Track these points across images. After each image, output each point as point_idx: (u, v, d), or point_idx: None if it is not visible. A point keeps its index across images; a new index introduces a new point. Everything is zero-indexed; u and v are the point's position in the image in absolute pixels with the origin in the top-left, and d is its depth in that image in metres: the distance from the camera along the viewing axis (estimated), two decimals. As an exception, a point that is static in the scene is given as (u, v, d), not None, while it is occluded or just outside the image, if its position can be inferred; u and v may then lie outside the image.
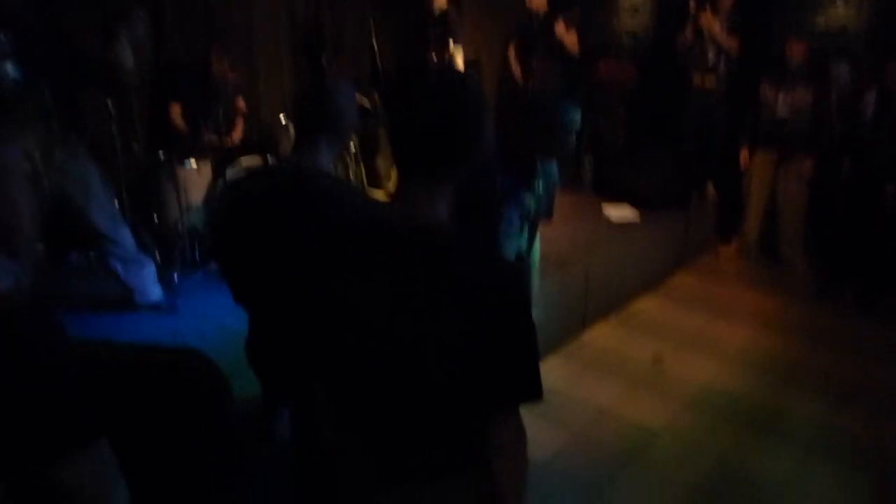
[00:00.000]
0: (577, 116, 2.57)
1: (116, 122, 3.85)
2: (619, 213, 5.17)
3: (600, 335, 4.28)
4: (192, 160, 4.12)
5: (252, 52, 5.39)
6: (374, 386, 1.23)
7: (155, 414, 2.14)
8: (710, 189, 5.92)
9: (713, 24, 5.36)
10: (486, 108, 1.22)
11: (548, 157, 2.71)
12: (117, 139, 3.84)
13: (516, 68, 5.86)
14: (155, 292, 3.46)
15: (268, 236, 1.87)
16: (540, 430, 3.26)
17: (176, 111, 4.56)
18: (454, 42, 5.26)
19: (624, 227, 4.97)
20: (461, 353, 1.15)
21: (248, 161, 4.12)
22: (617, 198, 5.41)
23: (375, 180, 5.71)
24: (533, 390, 1.21)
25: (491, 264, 1.23)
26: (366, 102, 5.48)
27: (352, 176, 5.07)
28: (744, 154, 5.16)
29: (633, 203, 5.24)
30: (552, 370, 3.84)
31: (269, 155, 4.25)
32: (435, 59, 5.27)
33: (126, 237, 3.28)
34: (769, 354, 4.06)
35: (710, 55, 5.53)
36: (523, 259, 2.78)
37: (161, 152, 4.13)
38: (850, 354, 4.04)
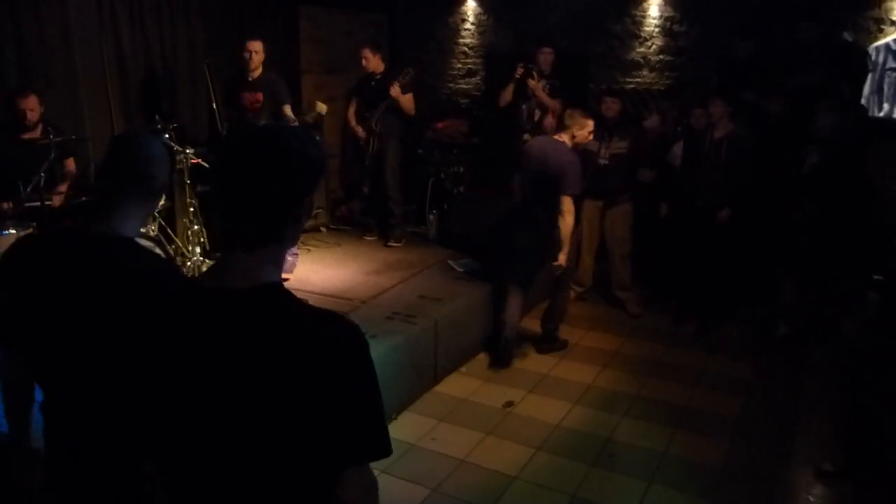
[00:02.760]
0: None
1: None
2: (463, 264, 5.33)
3: (453, 386, 4.33)
4: (11, 228, 3.77)
5: (81, 116, 5.12)
6: (206, 460, 1.16)
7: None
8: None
9: (537, 88, 5.79)
10: (311, 167, 1.19)
11: None
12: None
13: (356, 126, 5.95)
14: None
15: (50, 311, 1.65)
16: (398, 488, 3.24)
17: None
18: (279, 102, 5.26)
19: (469, 277, 5.11)
20: (298, 417, 1.10)
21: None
22: (461, 249, 5.58)
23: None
24: (380, 446, 1.17)
25: (326, 322, 1.17)
26: (205, 164, 5.32)
27: (191, 239, 4.86)
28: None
29: (476, 254, 5.42)
30: (407, 425, 3.83)
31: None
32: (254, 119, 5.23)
33: None
34: (609, 390, 4.30)
35: (537, 114, 5.97)
36: None
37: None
38: (678, 383, 4.37)
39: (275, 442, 1.11)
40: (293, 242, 1.24)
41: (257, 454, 1.12)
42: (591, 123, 4.57)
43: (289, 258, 4.84)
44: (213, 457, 1.15)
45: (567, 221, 4.42)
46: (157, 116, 4.98)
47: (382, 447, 1.18)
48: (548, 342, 4.85)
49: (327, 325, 1.16)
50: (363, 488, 1.20)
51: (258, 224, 1.16)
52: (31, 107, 4.34)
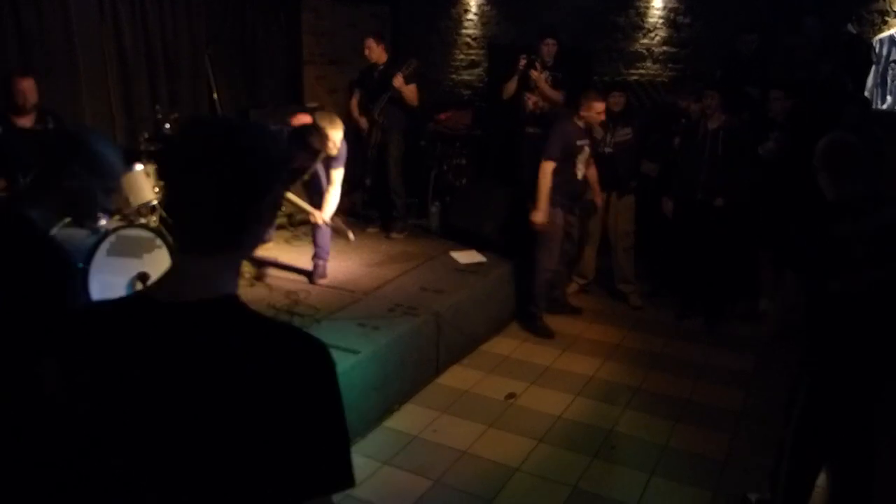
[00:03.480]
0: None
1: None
2: (465, 256, 5.33)
3: (454, 378, 4.34)
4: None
5: (81, 106, 5.12)
6: (157, 491, 1.03)
7: None
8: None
9: (540, 80, 5.77)
10: (270, 164, 1.08)
11: None
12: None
13: (358, 117, 5.94)
14: None
15: None
16: (400, 479, 3.25)
17: None
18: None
19: (471, 269, 5.11)
20: (257, 443, 0.98)
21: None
22: (463, 241, 5.57)
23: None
24: (343, 476, 1.05)
25: (290, 341, 1.06)
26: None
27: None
28: None
29: (479, 246, 5.42)
30: (409, 417, 3.84)
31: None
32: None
33: None
34: (611, 382, 4.30)
35: (540, 106, 5.94)
36: None
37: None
38: (680, 376, 4.37)
39: (231, 470, 0.99)
40: (253, 248, 1.13)
41: (213, 484, 1.01)
42: (600, 106, 4.72)
43: (319, 262, 4.81)
44: (165, 488, 1.02)
45: (538, 183, 4.69)
46: (157, 106, 4.98)
47: (345, 478, 1.05)
48: (526, 321, 5.01)
49: (291, 344, 1.05)
50: None
51: (213, 228, 1.05)
52: (29, 88, 4.33)
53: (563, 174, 4.76)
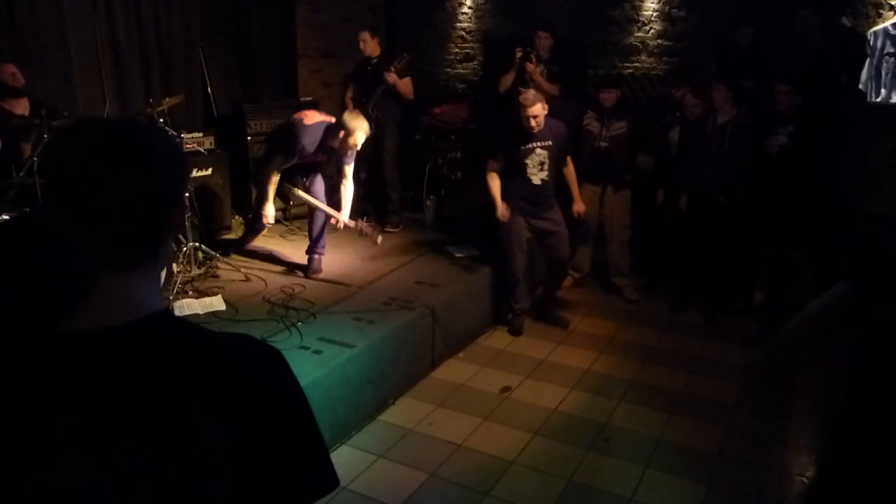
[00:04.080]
0: None
1: None
2: (460, 249, 5.33)
3: (450, 372, 4.34)
4: (4, 214, 3.73)
5: (74, 99, 5.09)
6: None
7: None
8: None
9: (535, 73, 5.76)
10: (176, 163, 1.00)
11: None
12: None
13: (353, 110, 5.91)
14: None
15: None
16: (395, 472, 3.27)
17: None
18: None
19: (466, 263, 5.11)
20: (226, 469, 0.89)
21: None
22: (458, 235, 5.57)
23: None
24: (324, 480, 0.99)
25: (239, 351, 0.98)
26: (202, 147, 5.32)
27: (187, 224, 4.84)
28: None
29: (474, 239, 5.42)
30: (404, 411, 3.85)
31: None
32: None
33: None
34: (606, 375, 4.31)
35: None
36: None
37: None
38: (674, 369, 4.38)
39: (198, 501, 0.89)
40: (165, 260, 1.02)
41: None
42: (528, 110, 4.46)
43: (315, 256, 4.79)
44: None
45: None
46: (150, 99, 4.95)
47: (326, 480, 1.00)
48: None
49: (242, 355, 0.97)
50: None
51: (128, 241, 0.93)
52: (12, 70, 4.34)
53: (515, 179, 4.64)
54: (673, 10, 6.40)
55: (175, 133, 4.56)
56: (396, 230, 5.91)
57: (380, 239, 4.71)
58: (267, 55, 6.69)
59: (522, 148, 4.59)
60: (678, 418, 3.81)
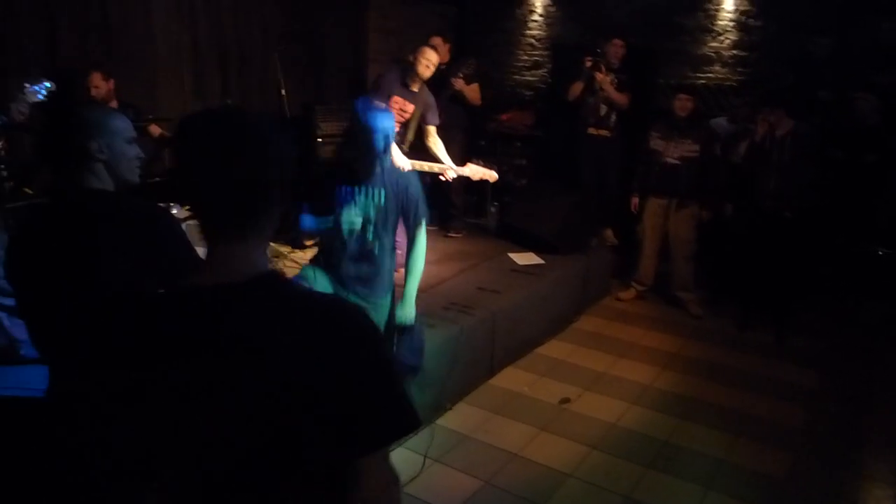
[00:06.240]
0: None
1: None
2: (523, 257, 5.30)
3: (508, 379, 4.32)
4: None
5: (156, 99, 5.30)
6: (214, 460, 1.08)
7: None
8: (609, 234, 6.17)
9: (605, 82, 5.69)
10: (280, 154, 1.12)
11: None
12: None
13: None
14: None
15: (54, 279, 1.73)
16: (451, 477, 3.26)
17: None
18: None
19: (528, 271, 5.08)
20: (313, 401, 1.04)
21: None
22: (521, 242, 5.55)
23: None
24: (407, 421, 1.11)
25: (331, 305, 1.14)
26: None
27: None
28: (634, 200, 5.43)
29: (537, 247, 5.38)
30: (461, 416, 3.84)
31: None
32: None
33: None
34: (668, 392, 4.21)
35: (603, 108, 5.87)
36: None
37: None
38: (740, 389, 4.25)
39: (289, 433, 1.05)
40: (273, 230, 1.18)
41: (272, 449, 1.05)
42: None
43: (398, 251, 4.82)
44: (223, 456, 1.07)
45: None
46: (228, 101, 5.11)
47: (410, 420, 1.12)
48: None
49: (332, 306, 1.13)
50: (382, 483, 1.13)
51: (239, 214, 1.10)
52: (96, 83, 4.53)
53: None
54: (749, 20, 6.24)
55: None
56: (459, 235, 5.92)
57: (494, 174, 4.48)
58: (338, 59, 6.82)
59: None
60: (743, 440, 3.69)
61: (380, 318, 3.16)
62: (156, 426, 1.08)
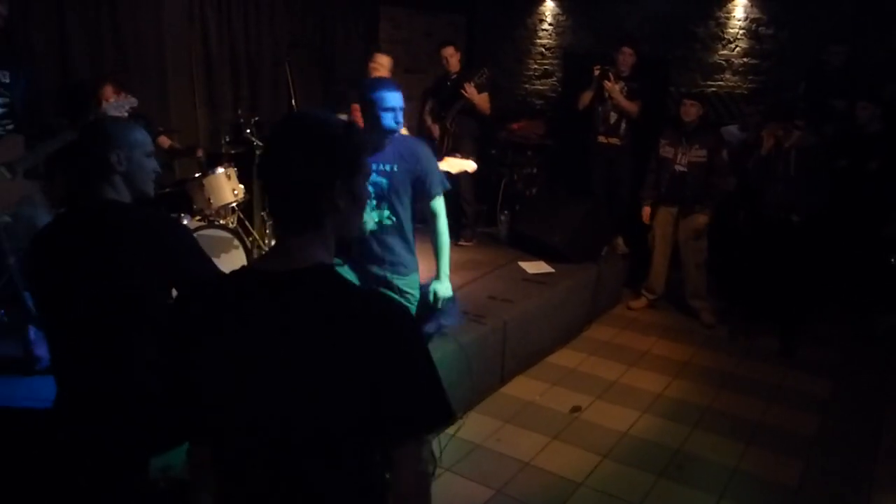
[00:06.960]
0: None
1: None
2: (534, 266, 5.30)
3: (520, 388, 4.32)
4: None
5: (168, 109, 5.36)
6: (259, 436, 1.19)
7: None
8: (620, 243, 6.17)
9: (614, 90, 5.70)
10: (343, 154, 1.22)
11: None
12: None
13: (431, 124, 6.01)
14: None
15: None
16: (462, 487, 3.27)
17: None
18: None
19: (539, 280, 5.09)
20: (352, 388, 1.14)
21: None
22: (532, 251, 5.56)
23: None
24: (442, 415, 1.21)
25: (375, 299, 1.26)
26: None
27: (268, 231, 5.01)
28: (646, 210, 5.42)
29: (548, 256, 5.39)
30: (472, 426, 3.84)
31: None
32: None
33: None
34: (680, 401, 4.20)
35: (613, 116, 5.87)
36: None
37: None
38: (753, 398, 4.23)
39: (329, 414, 1.14)
40: (340, 229, 1.28)
41: (312, 429, 1.16)
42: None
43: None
44: (267, 432, 1.18)
45: None
46: (239, 111, 5.15)
47: (445, 415, 1.21)
48: None
49: (376, 300, 1.24)
50: (416, 473, 1.21)
51: (294, 210, 1.22)
52: (107, 96, 4.58)
53: None
54: (760, 28, 6.24)
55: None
56: (470, 244, 5.94)
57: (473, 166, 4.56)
58: (349, 69, 6.87)
59: None
60: (755, 448, 3.67)
61: (411, 297, 3.20)
62: (227, 393, 1.20)
